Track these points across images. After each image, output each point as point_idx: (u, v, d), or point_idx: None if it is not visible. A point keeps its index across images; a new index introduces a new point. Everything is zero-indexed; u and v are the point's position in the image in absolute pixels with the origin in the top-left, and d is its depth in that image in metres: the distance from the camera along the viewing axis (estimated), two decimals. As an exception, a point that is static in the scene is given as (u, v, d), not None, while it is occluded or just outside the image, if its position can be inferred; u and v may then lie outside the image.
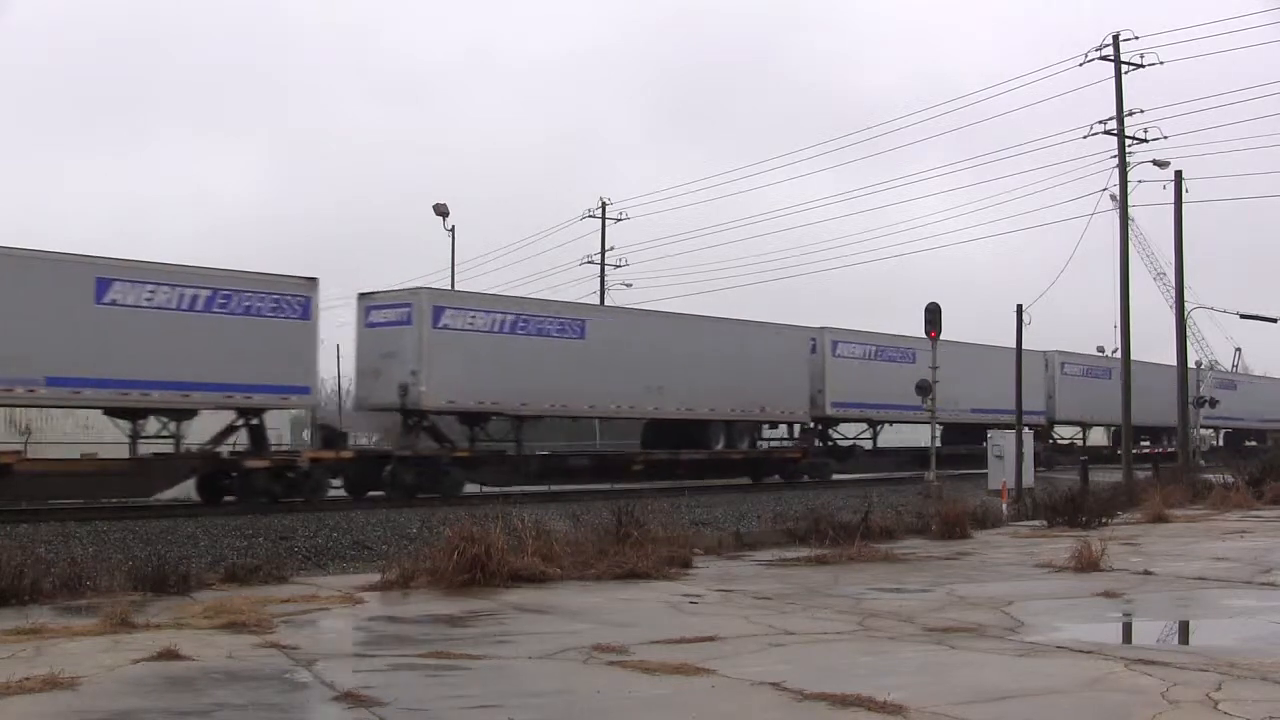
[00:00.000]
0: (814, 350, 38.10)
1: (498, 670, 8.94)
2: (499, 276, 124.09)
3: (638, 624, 11.05)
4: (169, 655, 9.03)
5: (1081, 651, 9.64)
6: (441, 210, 45.53)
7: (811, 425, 38.95)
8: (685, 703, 7.83)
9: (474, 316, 28.12)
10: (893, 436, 43.60)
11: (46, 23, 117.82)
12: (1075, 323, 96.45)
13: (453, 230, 45.71)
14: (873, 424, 41.63)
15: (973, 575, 15.16)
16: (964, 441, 41.84)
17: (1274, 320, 49.24)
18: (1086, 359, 48.56)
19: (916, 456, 37.29)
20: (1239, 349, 77.68)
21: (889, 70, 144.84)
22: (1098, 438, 55.18)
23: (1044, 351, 45.08)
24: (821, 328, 38.78)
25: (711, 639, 10.09)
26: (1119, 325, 37.09)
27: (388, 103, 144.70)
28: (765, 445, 39.81)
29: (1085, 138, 35.94)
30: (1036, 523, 22.73)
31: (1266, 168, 76.47)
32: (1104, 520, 22.15)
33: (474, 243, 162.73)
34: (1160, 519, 23.50)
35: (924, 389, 31.14)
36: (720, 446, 36.34)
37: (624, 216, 56.09)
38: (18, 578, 11.90)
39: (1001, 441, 32.49)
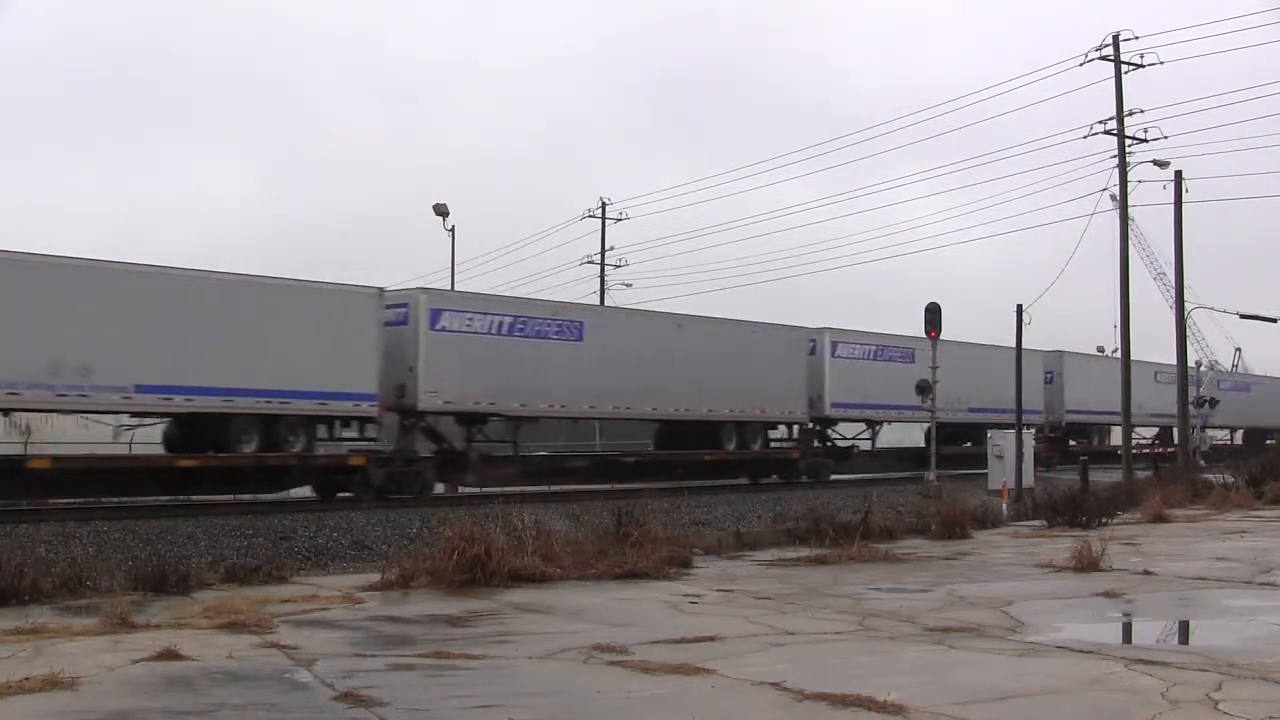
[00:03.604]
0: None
1: (498, 670, 8.94)
2: (498, 277, 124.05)
3: (638, 624, 11.06)
4: (169, 655, 9.04)
5: (1081, 651, 9.64)
6: (441, 210, 45.56)
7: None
8: (685, 703, 7.84)
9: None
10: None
11: (47, 27, 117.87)
12: (1075, 323, 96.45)
13: (453, 230, 45.78)
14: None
15: (973, 575, 15.16)
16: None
17: (1274, 320, 49.26)
18: (483, 305, 29.05)
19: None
20: (1239, 349, 77.65)
21: (888, 72, 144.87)
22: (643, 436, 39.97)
23: (409, 290, 28.13)
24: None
25: (711, 639, 10.09)
26: (1119, 325, 37.19)
27: (386, 105, 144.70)
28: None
29: (1085, 138, 36.10)
30: (1036, 523, 22.74)
31: (1266, 168, 76.41)
32: (1104, 520, 22.15)
33: (473, 243, 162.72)
34: (1160, 519, 23.50)
35: (924, 389, 31.16)
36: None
37: (624, 216, 56.18)
38: (18, 578, 11.90)
39: (1001, 441, 32.51)
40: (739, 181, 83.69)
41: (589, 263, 56.48)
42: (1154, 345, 54.82)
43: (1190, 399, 42.00)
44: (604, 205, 55.84)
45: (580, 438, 42.75)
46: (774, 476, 36.39)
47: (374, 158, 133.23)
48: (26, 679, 8.08)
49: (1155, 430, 52.95)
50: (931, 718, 7.34)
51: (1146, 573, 15.07)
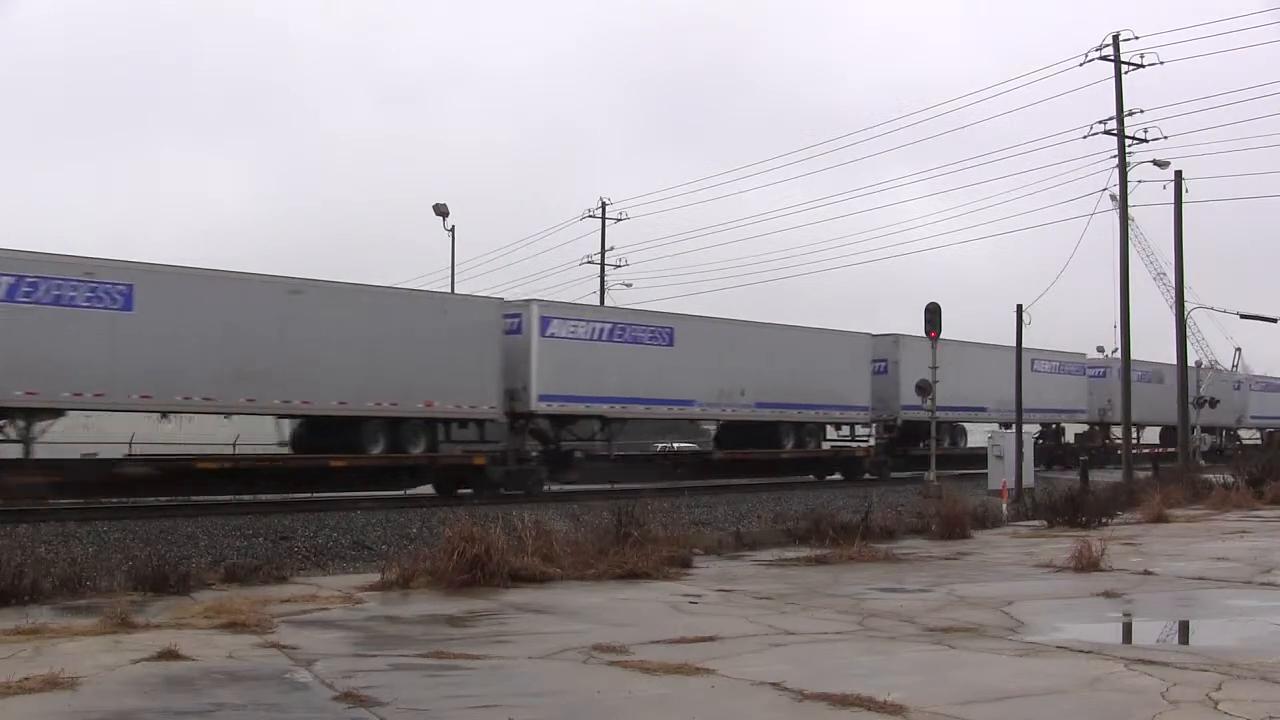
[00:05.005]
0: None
1: (498, 670, 8.94)
2: (499, 277, 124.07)
3: (638, 624, 11.05)
4: (169, 655, 9.04)
5: (1082, 651, 9.64)
6: (441, 210, 45.57)
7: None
8: (685, 703, 7.83)
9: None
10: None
11: (47, 27, 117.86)
12: (1075, 323, 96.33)
13: (453, 230, 45.75)
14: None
15: (973, 575, 15.16)
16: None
17: (1274, 320, 49.21)
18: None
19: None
20: (1239, 349, 77.48)
21: (887, 73, 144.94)
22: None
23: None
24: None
25: (712, 639, 10.09)
26: (1119, 325, 37.18)
27: (386, 106, 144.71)
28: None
29: (1085, 138, 36.12)
30: (1036, 523, 22.74)
31: (1266, 168, 76.54)
32: (1104, 520, 22.16)
33: (474, 243, 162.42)
34: (1160, 519, 23.50)
35: (924, 389, 31.14)
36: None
37: (624, 216, 56.15)
38: (18, 578, 11.90)
39: (1001, 441, 32.51)
40: (739, 182, 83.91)
41: (589, 263, 56.55)
42: (1154, 345, 54.49)
43: (1192, 399, 41.93)
44: (604, 205, 55.89)
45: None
46: (477, 488, 28.52)
47: (374, 158, 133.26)
48: (26, 679, 8.08)
49: (1036, 429, 46.64)
50: (931, 718, 7.33)
51: (1146, 573, 15.07)
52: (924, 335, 39.14)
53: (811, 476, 38.22)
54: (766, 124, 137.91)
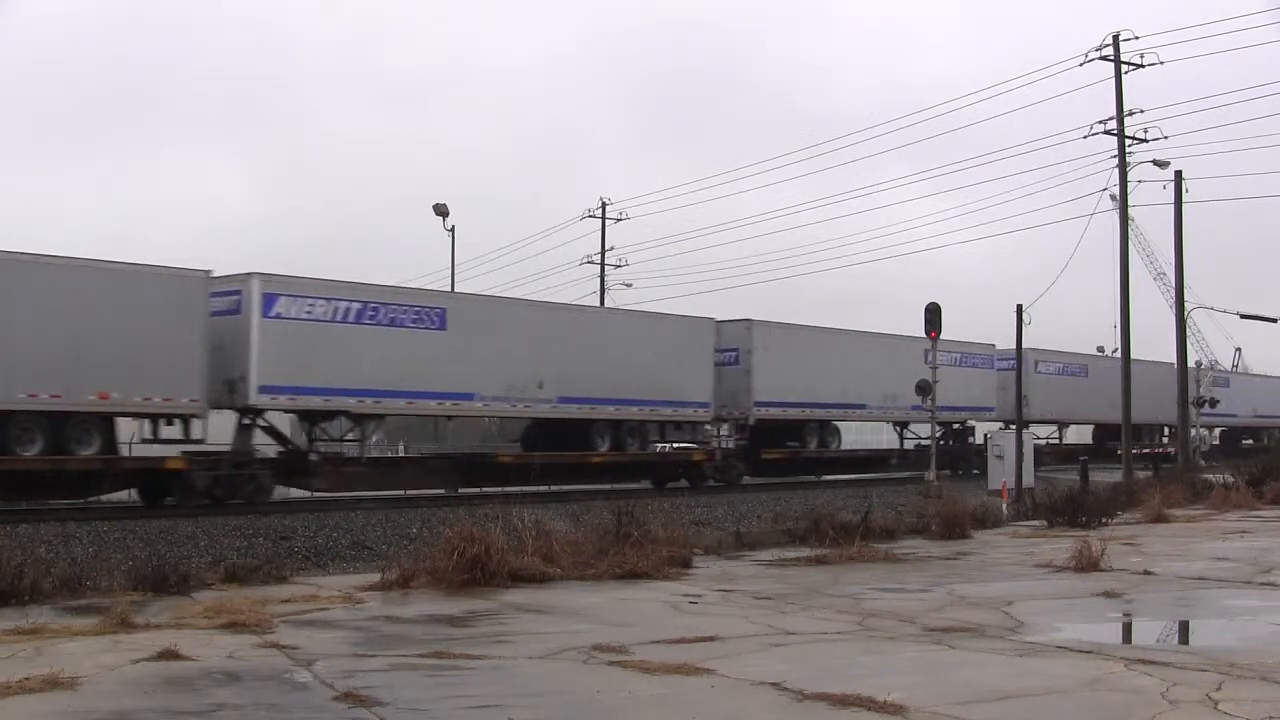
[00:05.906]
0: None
1: (498, 670, 8.94)
2: (499, 276, 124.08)
3: (638, 624, 11.05)
4: (169, 655, 9.04)
5: (1081, 651, 9.64)
6: (441, 210, 45.63)
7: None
8: (685, 703, 7.83)
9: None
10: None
11: (48, 28, 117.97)
12: (1075, 323, 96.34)
13: (453, 230, 45.78)
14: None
15: (973, 575, 15.16)
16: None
17: (1274, 320, 49.23)
18: None
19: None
20: (1239, 349, 77.56)
21: (887, 74, 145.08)
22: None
23: None
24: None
25: (712, 639, 10.09)
26: (1119, 325, 37.20)
27: (386, 107, 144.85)
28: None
29: (1085, 138, 36.15)
30: (1036, 523, 22.74)
31: (1266, 168, 76.47)
32: (1104, 520, 22.15)
33: (474, 244, 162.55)
34: (1160, 519, 23.49)
35: (924, 389, 31.11)
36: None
37: (624, 216, 56.12)
38: (18, 578, 11.90)
39: (1001, 441, 32.52)
40: (739, 182, 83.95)
41: (589, 263, 56.52)
42: (1154, 346, 54.43)
43: (1192, 399, 41.88)
44: (604, 205, 55.86)
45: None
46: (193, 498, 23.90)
47: (374, 158, 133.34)
48: (26, 679, 8.08)
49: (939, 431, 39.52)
50: (931, 718, 7.33)
51: (1146, 573, 15.07)
52: (783, 322, 35.68)
53: (648, 483, 32.34)
54: (766, 124, 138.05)
